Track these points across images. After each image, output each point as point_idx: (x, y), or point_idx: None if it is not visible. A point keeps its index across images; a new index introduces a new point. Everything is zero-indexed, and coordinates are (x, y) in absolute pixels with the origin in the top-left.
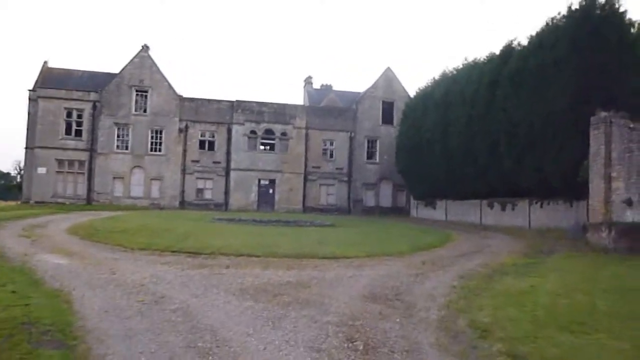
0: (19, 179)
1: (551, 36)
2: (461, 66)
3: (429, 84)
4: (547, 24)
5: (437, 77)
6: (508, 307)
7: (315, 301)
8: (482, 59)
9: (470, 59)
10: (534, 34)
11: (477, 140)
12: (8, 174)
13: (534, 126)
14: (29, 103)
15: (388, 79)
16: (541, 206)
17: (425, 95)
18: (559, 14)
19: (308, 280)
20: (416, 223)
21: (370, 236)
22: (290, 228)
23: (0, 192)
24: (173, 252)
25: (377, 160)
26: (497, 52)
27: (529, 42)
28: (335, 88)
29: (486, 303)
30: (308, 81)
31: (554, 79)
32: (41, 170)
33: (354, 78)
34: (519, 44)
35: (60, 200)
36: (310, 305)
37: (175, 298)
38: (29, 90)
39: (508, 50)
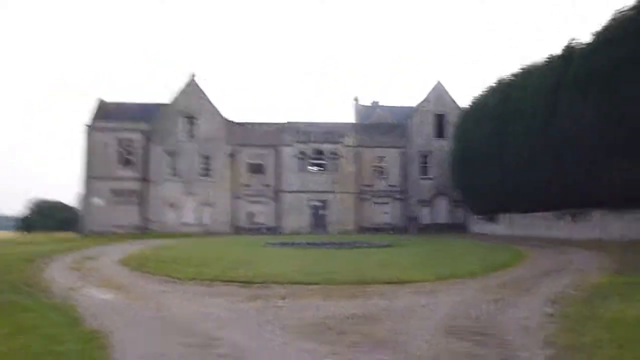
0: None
1: (619, 30)
2: (517, 72)
3: (482, 94)
4: (614, 18)
5: (492, 85)
6: (635, 343)
7: (389, 340)
8: (540, 63)
9: (526, 63)
10: (598, 29)
11: (538, 150)
12: (71, 207)
13: (605, 131)
14: (86, 137)
15: (438, 92)
16: (619, 216)
17: (479, 105)
18: (624, 6)
19: (376, 312)
20: (478, 239)
21: (434, 256)
22: (347, 250)
23: (64, 224)
24: (224, 281)
25: (431, 175)
26: (558, 54)
27: (594, 39)
28: (382, 103)
29: (602, 337)
30: (356, 99)
31: (627, 76)
32: (97, 201)
33: (400, 93)
34: (580, 43)
35: (115, 230)
36: (384, 346)
37: (225, 339)
38: (86, 125)
39: (570, 50)
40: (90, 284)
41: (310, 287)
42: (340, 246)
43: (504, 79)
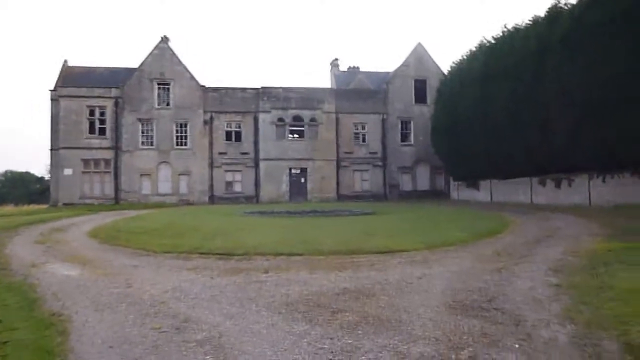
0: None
1: None
2: (501, 35)
3: (465, 58)
4: None
5: (474, 49)
6: None
7: (389, 319)
8: (524, 25)
9: (510, 26)
10: None
11: (524, 115)
12: (42, 178)
13: (592, 93)
14: (51, 103)
15: (419, 55)
16: (603, 181)
17: (462, 69)
18: None
19: (370, 286)
20: (461, 206)
21: (419, 223)
22: (329, 219)
23: (35, 196)
24: (201, 254)
25: (412, 142)
26: (542, 15)
27: None
28: (362, 69)
29: (623, 311)
30: (334, 64)
31: (616, 36)
32: (67, 171)
33: (381, 58)
34: (566, 4)
35: (88, 201)
36: (385, 327)
37: (202, 322)
38: (50, 90)
39: (556, 11)
40: (55, 258)
41: (294, 258)
42: (322, 214)
43: (486, 43)
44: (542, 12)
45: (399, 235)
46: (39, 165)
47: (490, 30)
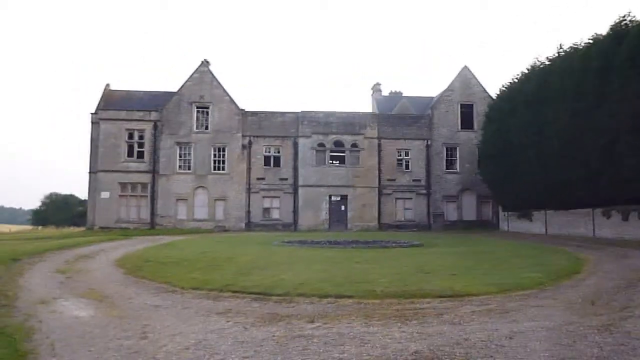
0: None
1: None
2: (556, 55)
3: (516, 80)
4: None
5: (525, 71)
6: None
7: None
8: (582, 44)
9: (567, 46)
10: None
11: (585, 139)
12: (85, 200)
13: None
14: (92, 127)
15: (465, 79)
16: None
17: (513, 92)
18: None
19: (449, 349)
20: (514, 238)
21: (478, 259)
22: (374, 251)
23: (77, 218)
24: (234, 292)
25: (458, 169)
26: (603, 33)
27: None
28: (405, 94)
29: None
30: (376, 88)
31: None
32: (104, 194)
33: (423, 83)
34: (630, 21)
35: (124, 225)
36: None
37: None
38: (91, 113)
39: (620, 28)
40: (71, 293)
41: (344, 302)
42: (366, 245)
43: (539, 64)
44: (603, 31)
45: (460, 274)
46: (82, 188)
47: (537, 52)
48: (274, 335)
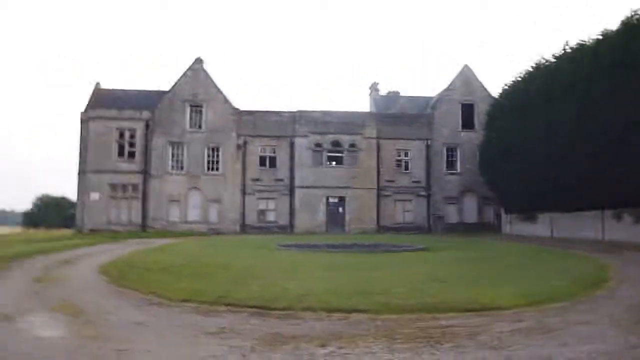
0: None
1: None
2: (562, 52)
3: (519, 79)
4: None
5: (530, 69)
6: None
7: None
8: (590, 41)
9: (573, 43)
10: None
11: (595, 138)
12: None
13: None
14: (81, 126)
15: (466, 78)
16: None
17: (517, 91)
18: None
19: None
20: (520, 242)
21: (492, 265)
22: (379, 256)
23: (69, 221)
24: (229, 306)
25: (459, 170)
26: (615, 29)
27: None
28: (402, 94)
29: None
30: (374, 88)
31: None
32: (94, 196)
33: (421, 83)
34: None
35: (114, 227)
36: None
37: None
38: (81, 112)
39: (631, 23)
40: (42, 306)
41: (357, 317)
42: (368, 249)
43: (544, 62)
44: (613, 26)
45: (480, 283)
46: (74, 189)
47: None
48: None
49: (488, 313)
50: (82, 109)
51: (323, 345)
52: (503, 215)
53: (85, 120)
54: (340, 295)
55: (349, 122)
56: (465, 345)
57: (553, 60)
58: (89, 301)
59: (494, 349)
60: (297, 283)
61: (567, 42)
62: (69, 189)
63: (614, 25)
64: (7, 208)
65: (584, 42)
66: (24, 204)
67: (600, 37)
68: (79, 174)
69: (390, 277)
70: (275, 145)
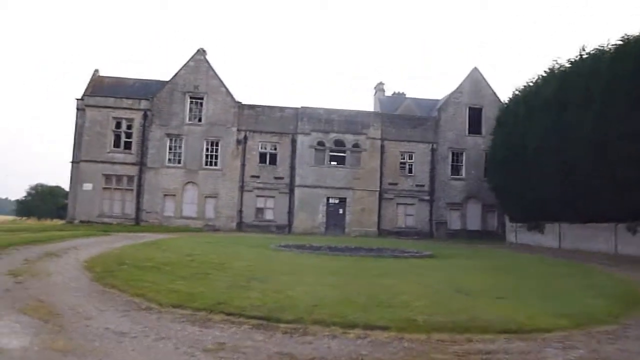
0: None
1: None
2: (578, 58)
3: (531, 84)
4: None
5: (543, 74)
6: None
7: None
8: (609, 46)
9: (589, 48)
10: None
11: (613, 146)
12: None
13: None
14: (77, 113)
15: (475, 81)
16: None
17: (528, 96)
18: None
19: None
20: (528, 251)
21: (508, 276)
22: (387, 261)
23: (62, 211)
24: (228, 315)
25: (464, 175)
26: (636, 33)
27: None
28: (408, 95)
29: None
30: (379, 88)
31: None
32: (86, 186)
33: (427, 85)
34: None
35: (106, 219)
36: None
37: None
38: (77, 99)
39: None
40: (12, 307)
41: (379, 336)
42: (373, 254)
43: (559, 67)
44: (635, 32)
45: (508, 298)
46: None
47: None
48: None
49: (529, 336)
50: (79, 95)
51: None
52: (507, 224)
53: (81, 107)
54: (355, 306)
55: (353, 122)
56: None
57: (568, 65)
58: (66, 302)
59: None
60: (303, 290)
61: (583, 47)
62: (64, 179)
63: (634, 30)
64: (3, 196)
65: (602, 48)
66: (21, 192)
67: (621, 42)
68: (72, 163)
69: (407, 287)
70: (276, 142)
